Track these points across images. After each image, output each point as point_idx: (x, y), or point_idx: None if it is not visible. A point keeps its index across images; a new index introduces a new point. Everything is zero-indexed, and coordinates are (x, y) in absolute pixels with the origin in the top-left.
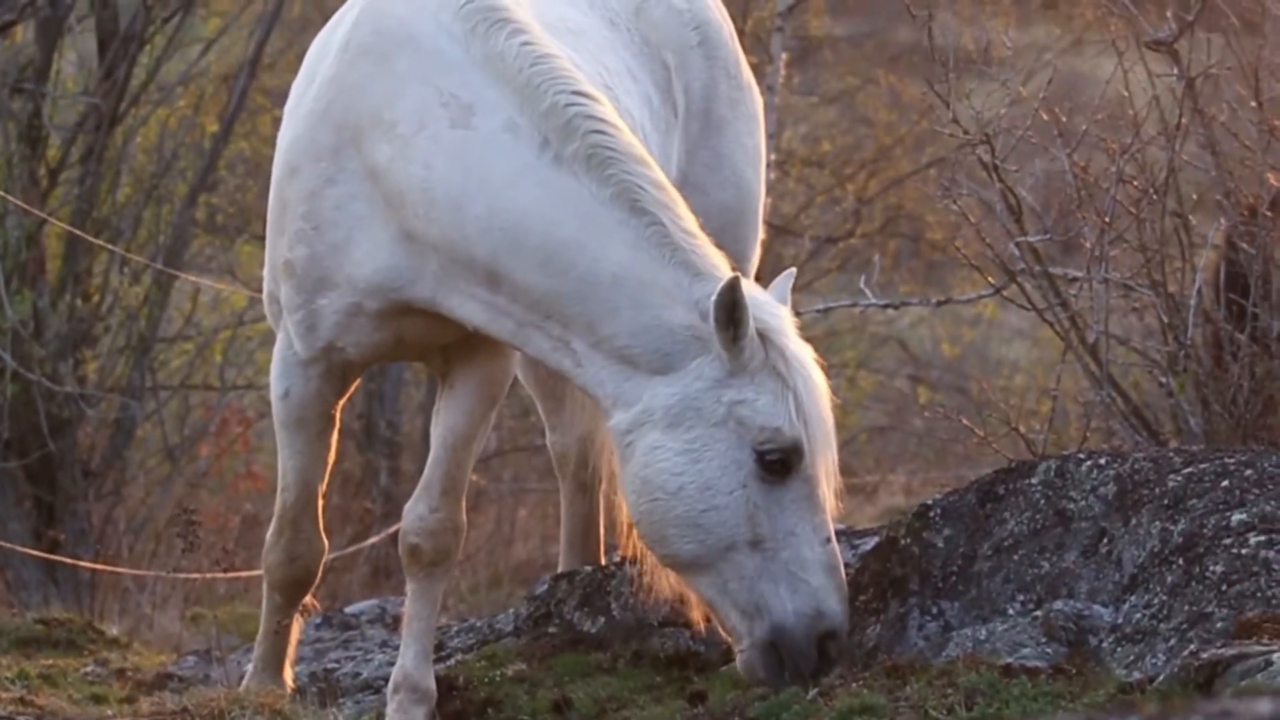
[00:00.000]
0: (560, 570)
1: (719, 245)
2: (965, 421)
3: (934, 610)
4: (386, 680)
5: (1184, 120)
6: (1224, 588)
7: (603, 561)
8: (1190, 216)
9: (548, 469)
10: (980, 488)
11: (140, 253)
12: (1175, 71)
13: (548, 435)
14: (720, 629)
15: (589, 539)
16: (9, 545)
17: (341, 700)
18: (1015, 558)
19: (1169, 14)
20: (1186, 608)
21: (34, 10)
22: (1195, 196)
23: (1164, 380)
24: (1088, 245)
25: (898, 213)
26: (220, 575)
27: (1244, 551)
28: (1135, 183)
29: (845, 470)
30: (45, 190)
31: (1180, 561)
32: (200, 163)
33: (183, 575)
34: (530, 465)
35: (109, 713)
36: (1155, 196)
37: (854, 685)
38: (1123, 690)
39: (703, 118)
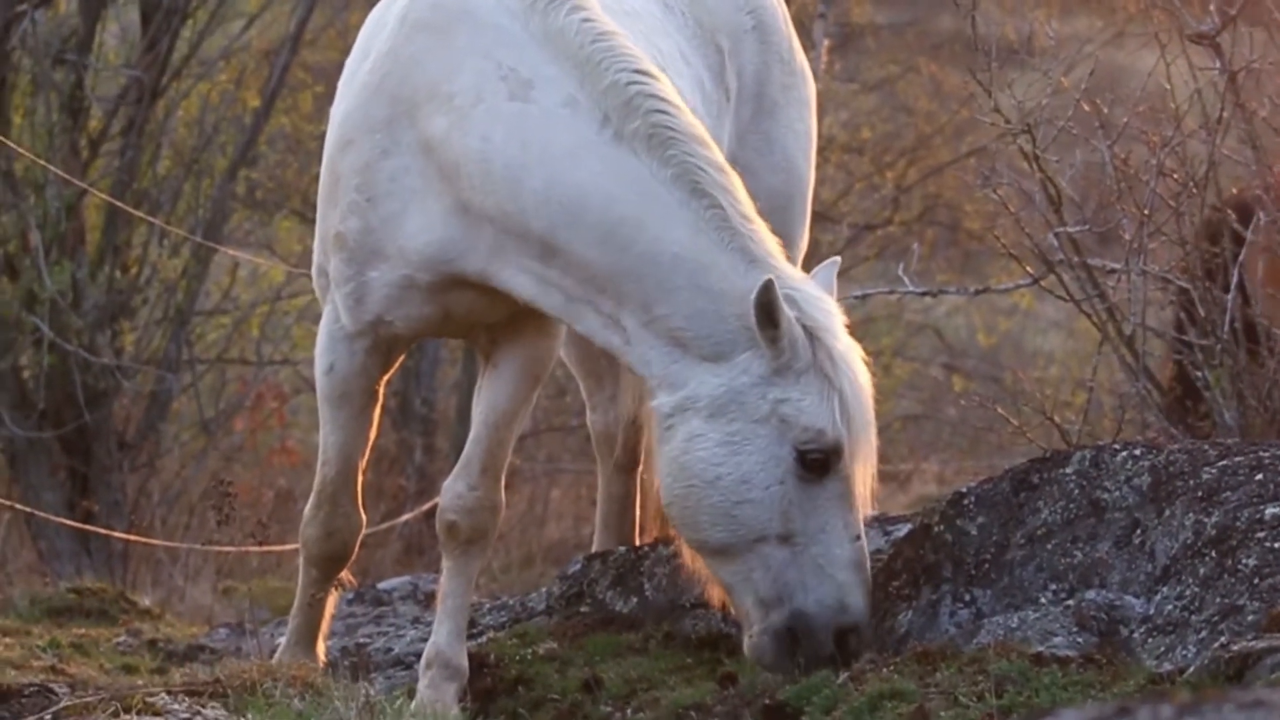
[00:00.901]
0: (594, 550)
1: None
2: (1000, 410)
3: (966, 597)
4: (418, 656)
5: (1225, 114)
6: (1256, 580)
7: (637, 542)
8: (1229, 210)
9: (582, 449)
10: (1015, 476)
11: (179, 226)
12: (1217, 65)
13: (588, 414)
14: (734, 610)
15: (624, 520)
16: (43, 515)
17: (373, 675)
18: (1048, 547)
19: (1212, 7)
20: (1218, 600)
21: None
22: (1235, 190)
23: (1200, 373)
24: (1126, 237)
25: (936, 201)
26: (253, 549)
27: (1277, 545)
28: (1175, 176)
29: (879, 458)
30: (86, 161)
31: (1213, 554)
32: (241, 137)
33: (216, 548)
34: (565, 445)
35: (140, 683)
36: (1195, 190)
37: (884, 670)
38: (1153, 681)
39: (755, 102)
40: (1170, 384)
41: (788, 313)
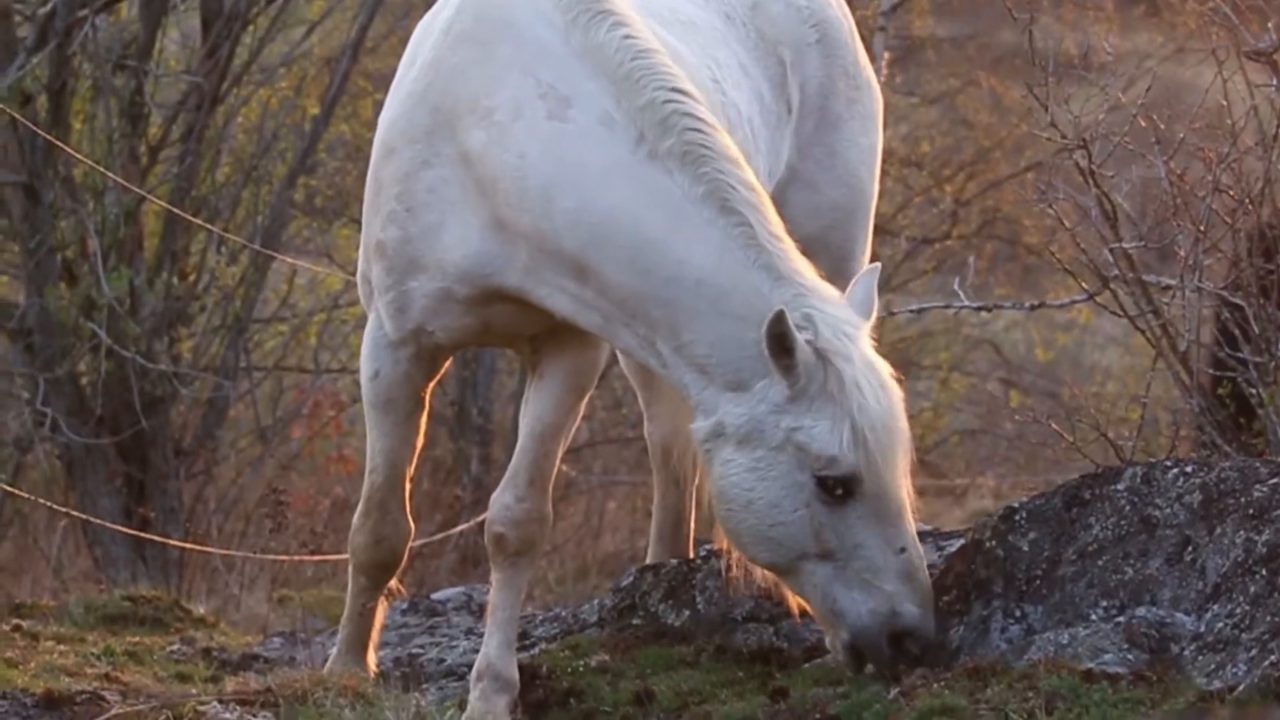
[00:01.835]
0: (648, 562)
1: (827, 243)
2: (1055, 426)
3: (1017, 613)
4: (470, 667)
5: None
6: None
7: (691, 555)
8: None
9: (638, 461)
10: (1066, 492)
11: (238, 233)
12: (1275, 82)
13: (645, 424)
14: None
15: (679, 532)
16: (99, 521)
17: (425, 686)
18: (1099, 563)
19: (1270, 25)
20: (1269, 618)
21: None
22: None
23: (1254, 390)
24: (1182, 254)
25: (995, 215)
26: (308, 558)
27: None
28: (1231, 192)
29: (934, 472)
30: (145, 168)
31: (1264, 572)
32: (300, 144)
33: (271, 557)
34: (620, 457)
35: (193, 691)
36: (1250, 207)
37: (935, 686)
38: (1203, 699)
39: (818, 115)
40: (1221, 399)
41: (800, 339)
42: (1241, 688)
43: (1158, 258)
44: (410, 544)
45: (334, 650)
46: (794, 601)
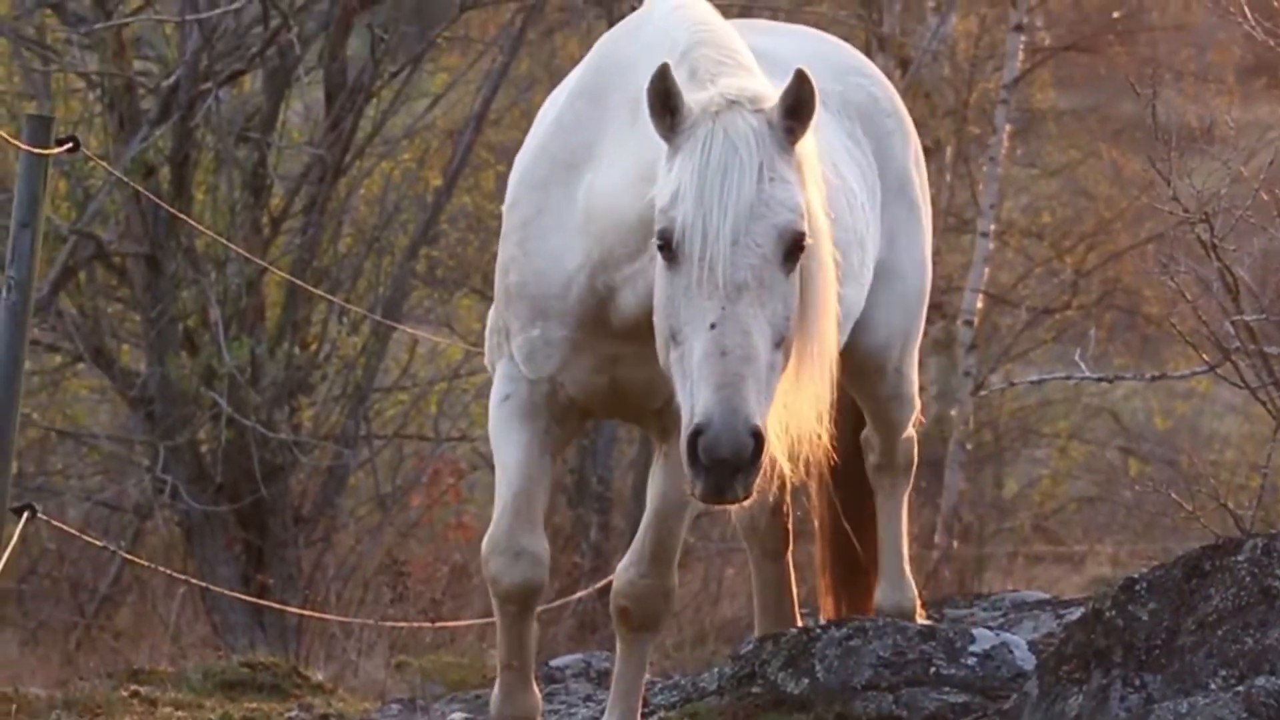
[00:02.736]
0: (757, 635)
1: (908, 333)
2: (1174, 495)
3: (1136, 682)
4: None
5: None
6: None
7: (799, 622)
8: None
9: None
10: (1186, 563)
11: (359, 303)
12: None
13: None
14: None
15: (782, 604)
16: (217, 590)
17: None
18: (1219, 633)
19: None
20: None
21: (263, 60)
22: None
23: None
24: None
25: (1115, 286)
26: (427, 625)
27: None
28: None
29: (1053, 539)
30: (267, 239)
31: None
32: (422, 216)
33: (390, 624)
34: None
35: None
36: None
37: None
38: None
39: (900, 202)
40: None
41: (684, 98)
42: None
43: (1279, 329)
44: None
45: (495, 693)
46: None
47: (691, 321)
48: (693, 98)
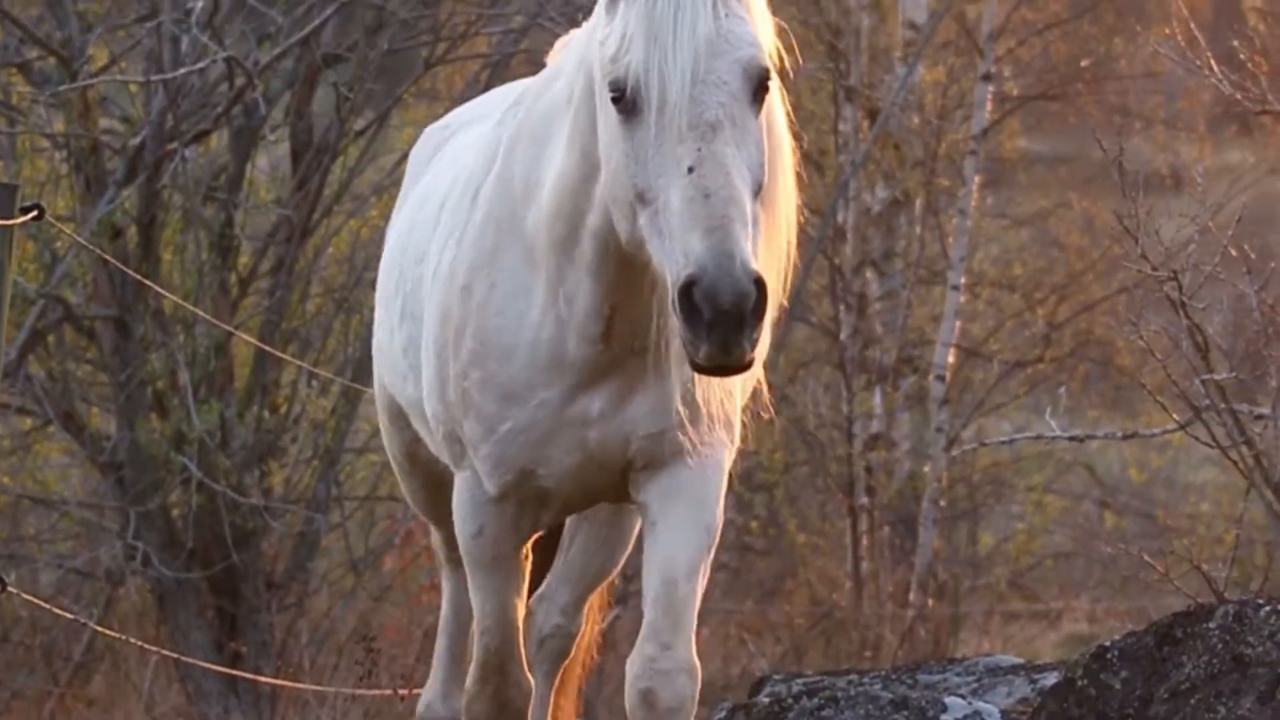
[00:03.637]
0: None
1: None
2: (1147, 559)
3: None
4: None
5: None
6: None
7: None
8: None
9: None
10: (1158, 630)
11: (329, 363)
12: None
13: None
14: None
15: None
16: (190, 659)
17: None
18: (1191, 702)
19: None
20: None
21: (228, 120)
22: None
23: None
24: (1275, 384)
25: (1088, 338)
26: (402, 693)
27: None
28: None
29: (1028, 596)
30: (235, 300)
31: None
32: None
33: (364, 692)
34: (714, 580)
35: None
36: None
37: None
38: None
39: None
40: None
41: None
42: None
43: (1253, 380)
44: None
45: None
46: None
47: (664, 171)
48: None
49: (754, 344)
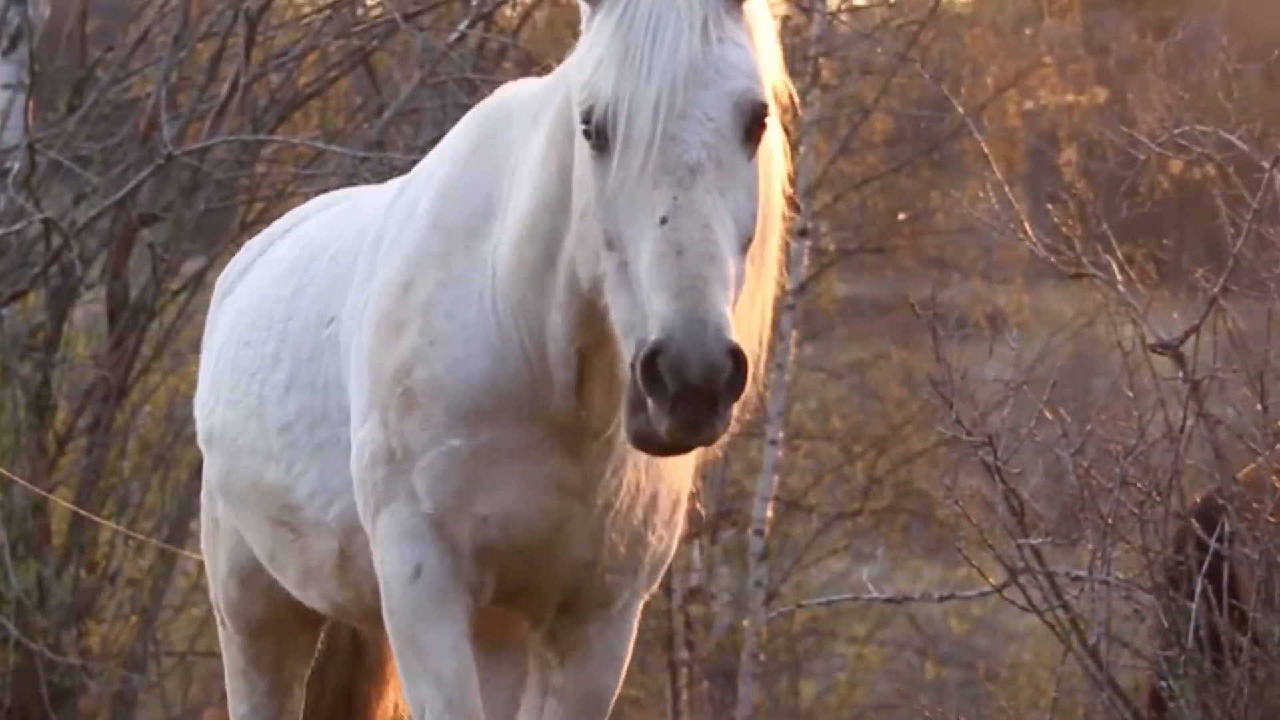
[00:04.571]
0: None
1: None
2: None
3: None
4: None
5: (1188, 423)
6: None
7: None
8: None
9: None
10: None
11: (147, 519)
12: (1181, 374)
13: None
14: None
15: None
16: None
17: None
18: None
19: (1175, 315)
20: None
21: (45, 279)
22: (1198, 499)
23: (1165, 683)
24: (1090, 547)
25: (908, 489)
26: None
27: None
28: (1139, 485)
29: None
30: (53, 458)
31: None
32: None
33: None
34: None
35: None
36: (1159, 499)
37: None
38: None
39: None
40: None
41: None
42: None
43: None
44: None
45: None
46: None
47: (634, 219)
48: None
49: (726, 423)
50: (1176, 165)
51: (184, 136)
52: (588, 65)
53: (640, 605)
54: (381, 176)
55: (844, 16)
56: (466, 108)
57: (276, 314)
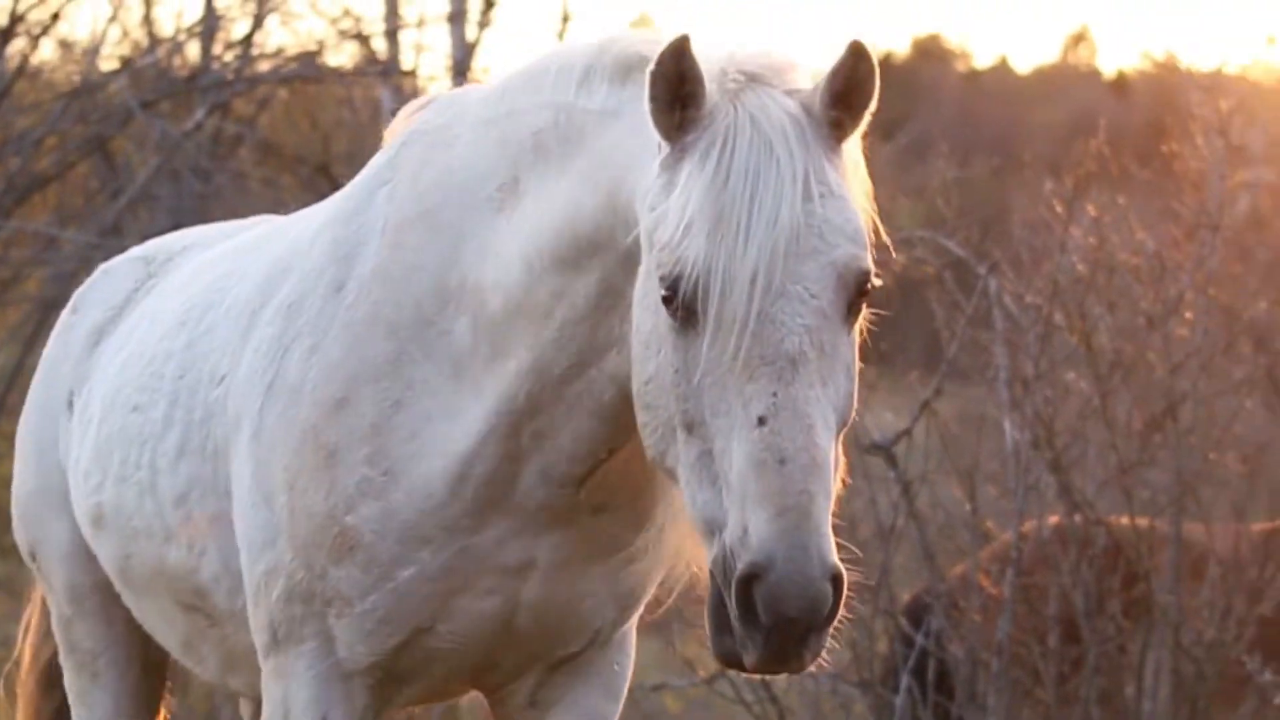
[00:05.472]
0: None
1: None
2: None
3: None
4: None
5: (899, 522)
6: None
7: None
8: (901, 617)
9: None
10: None
11: None
12: (893, 474)
13: None
14: None
15: None
16: None
17: None
18: None
19: (890, 417)
20: None
21: None
22: (907, 597)
23: None
24: None
25: None
26: None
27: None
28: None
29: None
30: None
31: None
32: None
33: None
34: None
35: None
36: (869, 596)
37: None
38: None
39: None
40: None
41: (708, 85)
42: None
43: None
44: None
45: None
46: None
47: (724, 410)
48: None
49: (819, 650)
50: (899, 263)
51: None
52: (672, 222)
53: (630, 629)
54: None
55: None
56: (202, 196)
57: (168, 371)
